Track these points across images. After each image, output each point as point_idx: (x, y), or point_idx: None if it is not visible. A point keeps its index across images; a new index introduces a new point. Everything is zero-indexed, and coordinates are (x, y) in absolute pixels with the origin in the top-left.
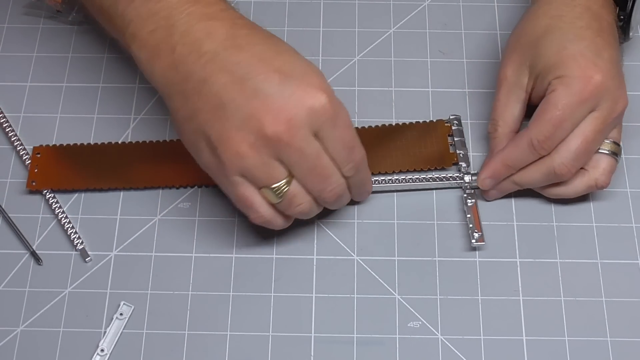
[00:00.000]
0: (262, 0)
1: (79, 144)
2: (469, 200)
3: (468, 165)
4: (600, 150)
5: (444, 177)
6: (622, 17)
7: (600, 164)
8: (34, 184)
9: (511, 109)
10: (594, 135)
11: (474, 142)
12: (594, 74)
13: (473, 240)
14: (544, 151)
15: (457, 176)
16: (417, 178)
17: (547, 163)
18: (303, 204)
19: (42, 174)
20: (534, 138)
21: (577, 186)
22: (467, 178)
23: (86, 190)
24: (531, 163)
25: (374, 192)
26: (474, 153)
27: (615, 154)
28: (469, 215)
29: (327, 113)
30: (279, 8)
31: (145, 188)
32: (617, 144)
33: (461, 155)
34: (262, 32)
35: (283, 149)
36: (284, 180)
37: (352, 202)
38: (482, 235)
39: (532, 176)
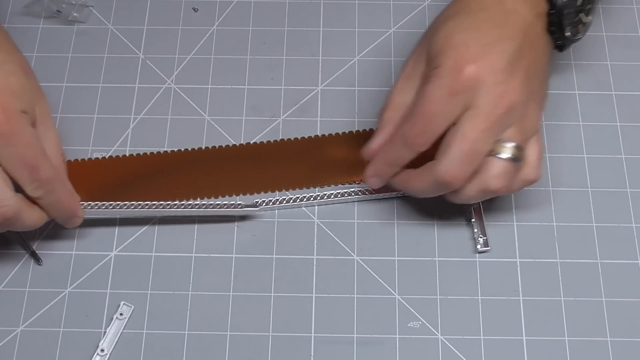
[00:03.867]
0: (262, 0)
1: (80, 159)
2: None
3: None
4: (494, 154)
5: None
6: (552, 21)
7: (492, 167)
8: None
9: (403, 96)
10: (476, 134)
11: None
12: (466, 64)
13: (478, 246)
14: (419, 147)
15: None
16: None
17: (431, 170)
18: None
19: None
20: (406, 133)
21: (468, 190)
22: None
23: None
24: (417, 171)
25: (375, 198)
26: None
27: (514, 159)
28: (473, 220)
29: (1, 130)
30: (279, 8)
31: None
32: (518, 147)
33: None
34: None
35: None
36: None
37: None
38: (487, 239)
39: (420, 186)
